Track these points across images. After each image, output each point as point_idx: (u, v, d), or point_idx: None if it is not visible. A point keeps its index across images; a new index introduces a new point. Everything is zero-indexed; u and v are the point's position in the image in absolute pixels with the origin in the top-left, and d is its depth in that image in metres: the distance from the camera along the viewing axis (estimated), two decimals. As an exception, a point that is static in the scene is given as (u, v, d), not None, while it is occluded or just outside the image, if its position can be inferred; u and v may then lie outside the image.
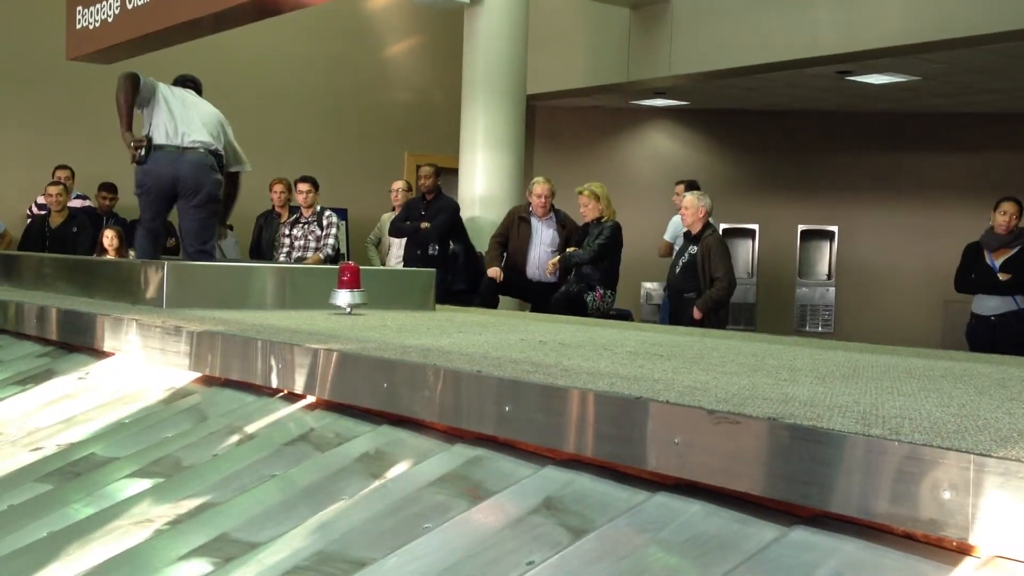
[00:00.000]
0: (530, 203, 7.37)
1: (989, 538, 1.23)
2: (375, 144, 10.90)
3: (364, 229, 9.68)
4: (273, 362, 2.53)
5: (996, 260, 6.49)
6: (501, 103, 8.47)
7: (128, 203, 5.64)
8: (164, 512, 2.02)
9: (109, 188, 8.42)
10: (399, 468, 2.01)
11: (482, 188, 8.53)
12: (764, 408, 1.57)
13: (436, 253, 7.70)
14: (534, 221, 7.33)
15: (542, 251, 7.28)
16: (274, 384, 2.55)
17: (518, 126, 8.62)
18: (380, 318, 3.58)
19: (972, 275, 6.61)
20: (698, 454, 1.55)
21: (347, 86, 10.81)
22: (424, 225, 7.72)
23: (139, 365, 3.13)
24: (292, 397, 2.53)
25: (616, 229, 6.92)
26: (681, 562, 1.47)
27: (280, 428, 2.38)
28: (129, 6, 6.35)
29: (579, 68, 10.56)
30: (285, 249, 7.89)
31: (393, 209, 8.69)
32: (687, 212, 6.69)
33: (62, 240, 7.93)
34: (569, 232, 7.33)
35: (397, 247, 8.25)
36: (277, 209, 8.53)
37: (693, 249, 6.61)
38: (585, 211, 7.03)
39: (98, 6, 6.65)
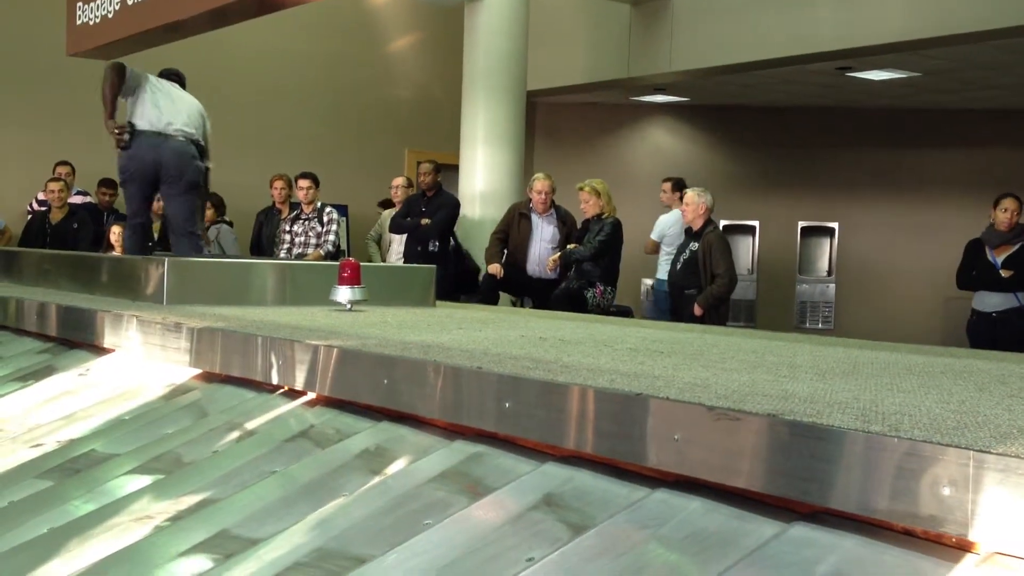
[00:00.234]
0: (531, 199, 7.37)
1: (988, 534, 1.23)
2: (376, 140, 10.89)
3: (364, 225, 9.68)
4: (273, 358, 2.53)
5: (998, 257, 6.49)
6: (501, 99, 8.47)
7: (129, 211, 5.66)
8: (164, 508, 2.02)
9: (110, 184, 8.41)
10: (399, 464, 2.01)
11: (482, 184, 8.53)
12: (764, 404, 1.57)
13: (436, 249, 7.70)
14: (534, 217, 7.33)
15: (542, 247, 7.27)
16: (274, 380, 2.55)
17: (518, 122, 8.62)
18: (380, 314, 3.58)
19: (974, 272, 6.60)
20: (698, 450, 1.55)
21: (348, 82, 10.80)
22: (425, 221, 7.72)
23: (139, 361, 3.13)
24: (292, 393, 2.53)
25: (616, 226, 6.92)
26: (681, 558, 1.47)
27: (280, 424, 2.38)
28: (129, 2, 6.34)
29: (579, 64, 10.56)
30: (286, 245, 7.89)
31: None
32: (688, 208, 6.69)
33: (63, 236, 7.93)
34: (570, 228, 7.33)
35: (398, 243, 8.25)
36: (278, 205, 8.52)
37: (694, 246, 6.60)
38: (585, 207, 7.02)
39: (98, 2, 6.65)
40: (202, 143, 5.31)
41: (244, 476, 2.12)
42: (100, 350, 3.36)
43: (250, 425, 2.42)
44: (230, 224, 8.79)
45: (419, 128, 11.14)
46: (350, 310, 3.65)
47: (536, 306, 7.04)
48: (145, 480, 2.23)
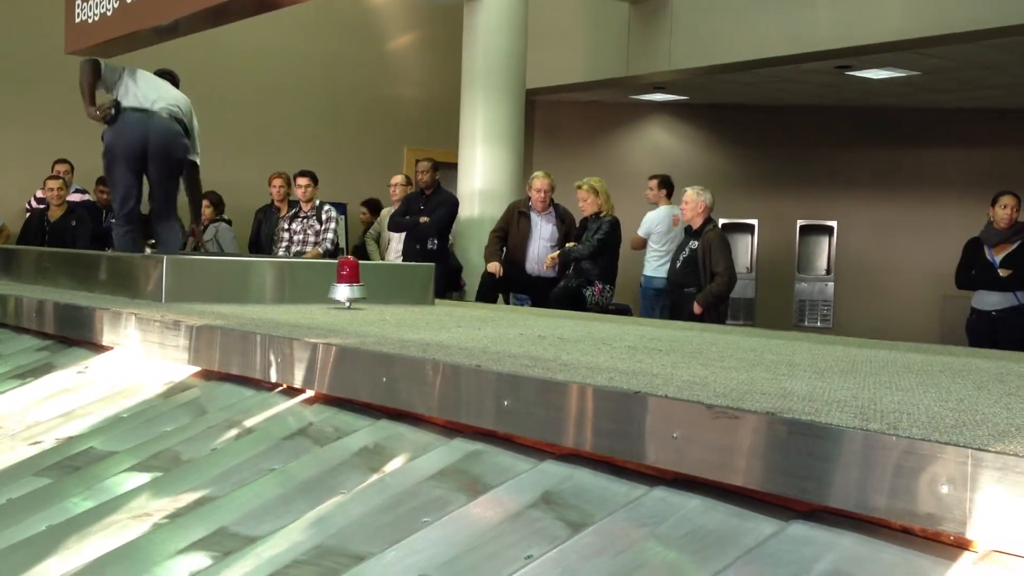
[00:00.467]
0: (530, 198, 7.37)
1: (987, 532, 1.23)
2: (374, 139, 10.89)
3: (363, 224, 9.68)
4: (272, 356, 2.53)
5: (996, 256, 6.49)
6: (500, 98, 8.46)
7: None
8: (163, 506, 2.02)
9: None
10: (398, 462, 2.01)
11: (481, 183, 8.53)
12: (763, 403, 1.57)
13: (435, 248, 7.70)
14: (533, 216, 7.33)
15: (541, 246, 7.27)
16: (273, 378, 2.55)
17: (517, 121, 8.61)
18: (379, 312, 3.58)
19: (972, 271, 6.60)
20: (697, 449, 1.55)
21: (347, 81, 10.80)
22: (423, 220, 7.72)
23: (138, 359, 3.13)
24: (291, 391, 2.53)
25: (615, 224, 6.92)
26: (679, 556, 1.47)
27: (279, 422, 2.38)
28: (128, 0, 6.34)
29: (578, 63, 10.55)
30: (284, 243, 7.89)
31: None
32: (686, 207, 6.70)
33: (61, 234, 7.92)
34: (568, 227, 7.33)
35: (397, 241, 8.25)
36: (276, 203, 8.53)
37: (694, 244, 6.61)
38: (583, 206, 7.03)
39: None
40: (188, 126, 5.28)
41: (243, 474, 2.12)
42: (99, 348, 3.36)
43: (249, 423, 2.42)
44: (229, 222, 8.79)
45: (418, 126, 11.14)
46: (349, 308, 3.65)
47: (535, 304, 7.04)
48: (144, 478, 2.23)
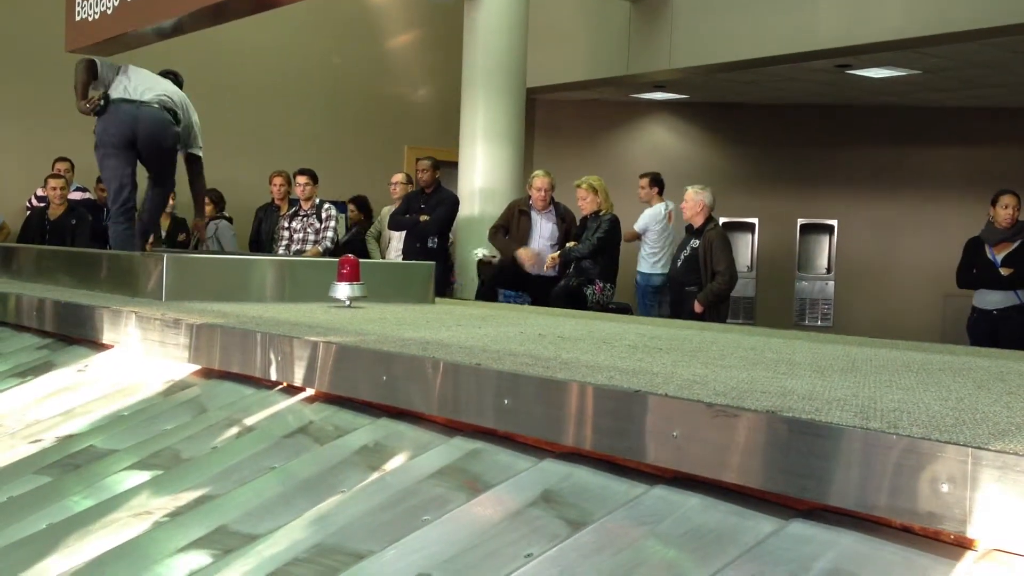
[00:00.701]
0: (530, 196, 7.36)
1: (987, 531, 1.23)
2: (375, 137, 10.89)
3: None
4: (272, 355, 2.54)
5: (997, 255, 6.48)
6: (501, 96, 8.46)
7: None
8: (163, 504, 2.02)
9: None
10: (398, 461, 2.01)
11: (482, 181, 8.52)
12: (763, 401, 1.57)
13: (435, 246, 7.70)
14: (534, 214, 7.33)
15: (542, 244, 7.27)
16: (273, 377, 2.55)
17: (518, 119, 8.61)
18: (379, 311, 3.58)
19: (974, 270, 6.59)
20: (696, 447, 1.55)
21: (347, 79, 10.80)
22: (423, 218, 7.72)
23: (138, 358, 3.13)
24: (291, 390, 2.53)
25: (614, 222, 6.92)
26: (679, 555, 1.47)
27: (279, 421, 2.38)
28: (128, -2, 6.34)
29: (579, 61, 10.55)
30: (284, 242, 7.89)
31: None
32: (686, 206, 6.70)
33: (61, 232, 7.92)
34: (569, 225, 7.33)
35: (397, 240, 8.25)
36: (276, 202, 8.53)
37: (695, 243, 6.61)
38: (583, 204, 7.02)
39: (97, -2, 6.65)
40: (179, 115, 5.27)
41: (243, 472, 2.12)
42: (99, 346, 3.36)
43: (249, 421, 2.42)
44: (229, 220, 8.79)
45: (419, 125, 11.14)
46: (349, 307, 3.65)
47: (535, 303, 7.04)
48: (144, 476, 2.23)
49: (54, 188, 7.97)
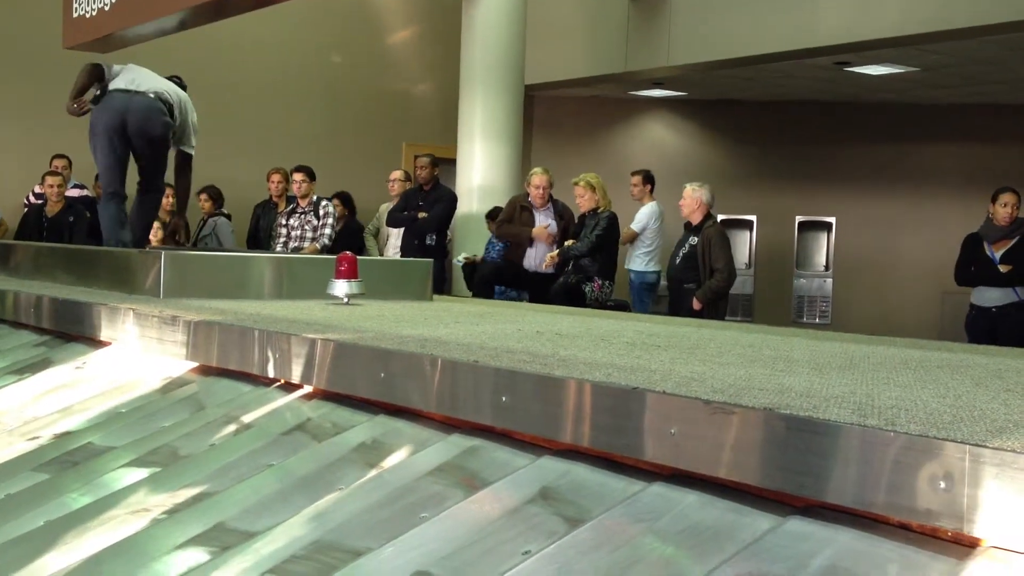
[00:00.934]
0: (529, 193, 7.36)
1: (984, 528, 1.23)
2: (373, 134, 10.88)
3: (362, 219, 9.67)
4: (270, 352, 2.53)
5: (996, 252, 6.47)
6: (499, 93, 8.46)
7: (127, 192, 5.64)
8: (161, 501, 2.02)
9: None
10: (396, 458, 2.01)
11: (480, 178, 8.52)
12: (760, 399, 1.57)
13: (434, 243, 7.70)
14: (534, 210, 7.33)
15: (541, 242, 7.27)
16: (271, 374, 2.55)
17: (516, 116, 8.61)
18: (377, 308, 3.58)
19: (972, 267, 6.59)
20: (694, 444, 1.55)
21: (345, 76, 10.79)
22: (422, 215, 7.72)
23: (136, 355, 3.12)
24: (289, 387, 2.53)
25: (612, 219, 6.92)
26: (677, 552, 1.47)
27: (277, 418, 2.38)
28: (126, -5, 6.33)
29: (577, 58, 10.54)
30: (282, 239, 7.88)
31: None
32: (684, 203, 6.70)
33: (59, 229, 7.92)
34: (567, 222, 7.33)
35: (395, 237, 8.25)
36: (274, 199, 8.53)
37: (693, 240, 6.61)
38: (581, 202, 7.02)
39: (95, -5, 6.64)
40: (174, 108, 5.27)
41: (241, 469, 2.12)
42: (97, 343, 3.36)
43: (247, 418, 2.42)
44: (228, 217, 8.79)
45: (417, 122, 11.13)
46: (347, 304, 3.65)
47: (533, 300, 7.04)
48: (142, 473, 2.23)
49: (51, 185, 7.96)
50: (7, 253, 5.59)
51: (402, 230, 7.97)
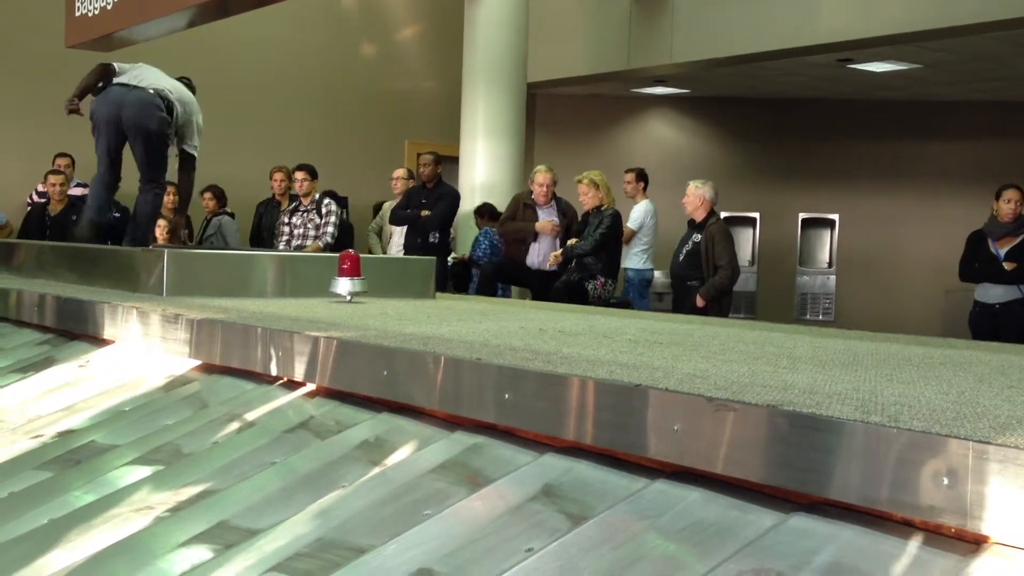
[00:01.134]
0: (532, 191, 7.36)
1: (987, 525, 1.23)
2: (376, 132, 10.88)
3: (365, 217, 9.68)
4: (273, 350, 2.53)
5: (1000, 249, 6.47)
6: (502, 91, 8.46)
7: (129, 191, 5.64)
8: (164, 499, 2.02)
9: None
10: (399, 455, 2.01)
11: (482, 176, 8.52)
12: (763, 395, 1.57)
13: (437, 241, 7.70)
14: (537, 207, 7.33)
15: (543, 240, 7.27)
16: (274, 372, 2.55)
17: (518, 114, 8.60)
18: (380, 306, 3.58)
19: (976, 264, 6.58)
20: (697, 441, 1.55)
21: (348, 74, 10.79)
22: (424, 213, 7.72)
23: (139, 353, 3.13)
24: (292, 385, 2.53)
25: (616, 217, 6.91)
26: (680, 549, 1.47)
27: (280, 416, 2.38)
28: (128, -6, 6.34)
29: (580, 56, 10.54)
30: (285, 237, 7.89)
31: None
32: (687, 201, 6.70)
33: (62, 228, 7.92)
34: (570, 220, 7.32)
35: (399, 235, 8.25)
36: (277, 197, 8.53)
37: (697, 237, 6.61)
38: (584, 200, 7.02)
39: (97, -7, 6.64)
40: (174, 105, 5.29)
41: (244, 467, 2.12)
42: (100, 341, 3.36)
43: (250, 416, 2.42)
44: (232, 216, 8.79)
45: (419, 120, 11.13)
46: (350, 302, 3.65)
47: (536, 298, 7.05)
48: (145, 471, 2.23)
49: (54, 184, 7.97)
50: (10, 252, 5.60)
51: (405, 228, 7.97)
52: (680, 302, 6.73)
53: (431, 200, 7.76)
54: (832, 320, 11.78)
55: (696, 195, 6.63)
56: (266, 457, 2.15)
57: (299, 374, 2.46)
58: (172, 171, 5.58)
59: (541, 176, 7.28)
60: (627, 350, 2.28)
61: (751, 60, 9.39)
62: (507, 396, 1.87)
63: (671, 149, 12.16)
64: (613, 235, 6.88)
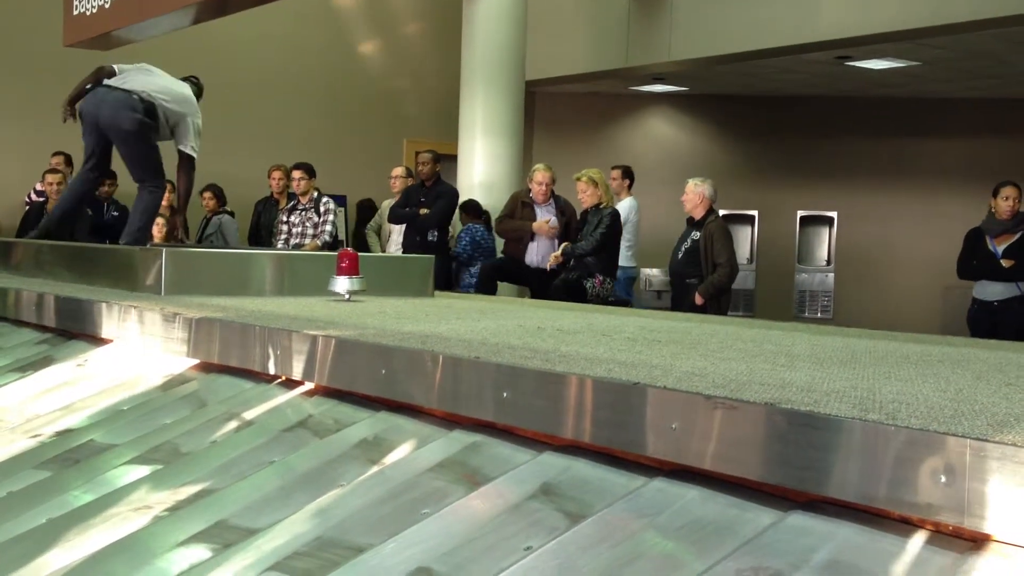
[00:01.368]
0: (531, 189, 7.36)
1: (985, 522, 1.23)
2: (374, 131, 10.88)
3: (353, 217, 9.68)
4: (271, 349, 2.53)
5: (998, 246, 6.48)
6: (500, 89, 8.46)
7: (128, 190, 5.64)
8: (163, 498, 2.02)
9: (109, 175, 8.39)
10: (397, 454, 2.01)
11: (481, 175, 8.52)
12: (762, 393, 1.57)
13: (435, 239, 7.70)
14: (536, 206, 7.33)
15: (542, 238, 7.27)
16: (272, 371, 2.55)
17: (517, 112, 8.60)
18: (379, 304, 3.58)
19: (974, 261, 6.58)
20: (695, 439, 1.55)
21: (346, 73, 10.79)
22: (423, 212, 7.72)
23: (137, 352, 3.13)
24: (290, 383, 2.53)
25: (615, 216, 6.91)
26: (678, 547, 1.47)
27: (278, 414, 2.38)
28: (126, -8, 6.33)
29: (578, 54, 10.53)
30: (283, 236, 7.88)
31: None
32: (686, 198, 6.70)
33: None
34: (569, 219, 7.32)
35: (397, 234, 8.25)
36: (275, 196, 8.53)
37: (696, 235, 6.61)
38: (583, 198, 7.02)
39: (95, -8, 6.64)
40: (154, 107, 5.26)
41: (242, 466, 2.12)
42: (98, 341, 3.36)
43: (248, 415, 2.42)
44: (232, 215, 8.79)
45: (418, 118, 11.13)
46: (348, 300, 3.65)
47: (535, 296, 7.05)
48: (144, 470, 2.23)
49: (52, 183, 7.96)
50: (8, 251, 5.60)
51: (404, 227, 7.97)
52: (679, 300, 6.73)
53: (430, 199, 7.76)
54: (830, 318, 11.78)
55: (695, 193, 6.63)
56: (264, 456, 2.15)
57: (297, 373, 2.46)
58: (172, 171, 5.58)
59: (540, 174, 7.28)
60: (625, 348, 2.28)
61: (750, 57, 9.39)
62: (505, 394, 1.87)
63: (670, 147, 12.16)
64: (613, 234, 6.88)
